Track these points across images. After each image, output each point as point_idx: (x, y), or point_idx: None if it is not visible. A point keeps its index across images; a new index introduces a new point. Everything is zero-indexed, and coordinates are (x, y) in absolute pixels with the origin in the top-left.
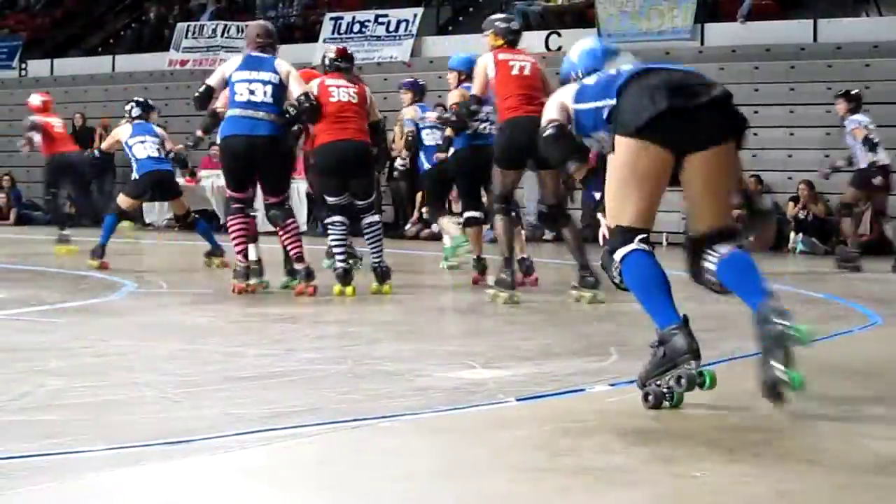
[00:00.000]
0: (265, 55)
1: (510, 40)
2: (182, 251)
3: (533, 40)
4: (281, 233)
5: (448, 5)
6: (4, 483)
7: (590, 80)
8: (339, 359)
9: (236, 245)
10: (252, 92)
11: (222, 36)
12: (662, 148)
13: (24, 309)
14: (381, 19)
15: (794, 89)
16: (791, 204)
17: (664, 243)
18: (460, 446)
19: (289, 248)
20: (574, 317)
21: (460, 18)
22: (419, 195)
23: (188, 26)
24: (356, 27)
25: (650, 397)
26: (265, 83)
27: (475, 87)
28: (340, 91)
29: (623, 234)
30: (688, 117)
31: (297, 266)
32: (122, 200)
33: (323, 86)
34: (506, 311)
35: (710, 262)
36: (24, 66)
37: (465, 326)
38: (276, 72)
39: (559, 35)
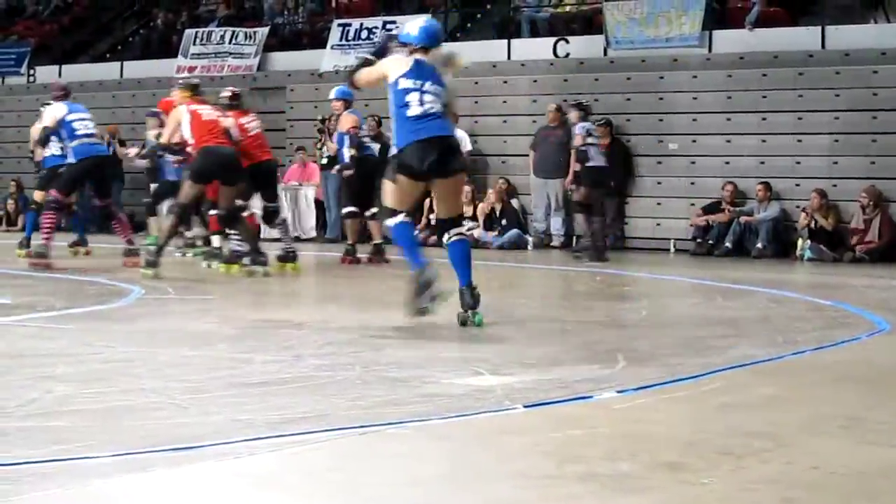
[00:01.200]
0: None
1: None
2: (190, 258)
3: (540, 47)
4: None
5: (456, 12)
6: (11, 489)
7: (418, 56)
8: (346, 365)
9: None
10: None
11: (230, 42)
12: (416, 180)
13: (32, 315)
14: (389, 26)
15: (802, 96)
16: (803, 215)
17: (672, 249)
18: (468, 453)
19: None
20: (581, 324)
21: (468, 25)
22: (426, 202)
23: (196, 33)
24: (364, 34)
25: (419, 314)
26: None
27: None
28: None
29: (392, 213)
30: (430, 166)
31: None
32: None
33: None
34: (513, 317)
35: (445, 238)
36: (32, 72)
37: (473, 333)
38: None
39: (567, 42)
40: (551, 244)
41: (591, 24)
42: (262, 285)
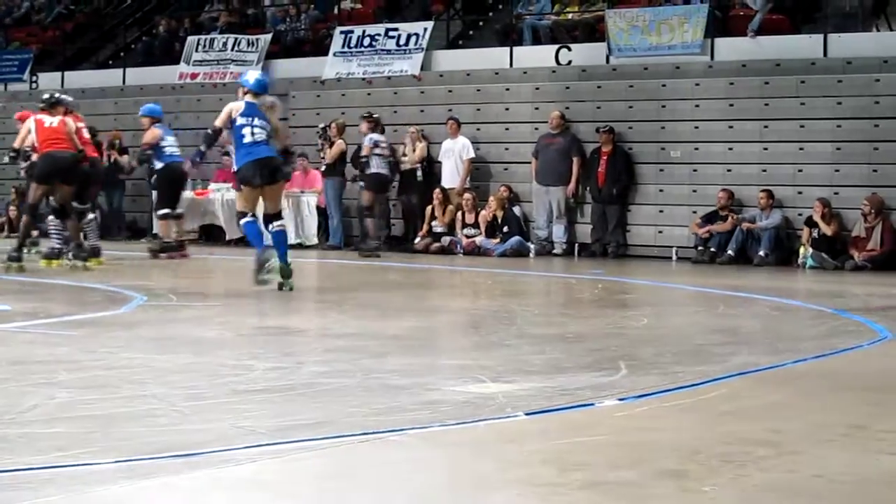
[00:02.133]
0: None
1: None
2: (191, 265)
3: (543, 55)
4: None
5: (458, 19)
6: (13, 496)
7: (249, 100)
8: (348, 372)
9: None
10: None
11: (232, 49)
12: (254, 188)
13: (33, 322)
14: (391, 33)
15: (804, 104)
16: (806, 229)
17: (674, 257)
18: (469, 460)
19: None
20: (583, 332)
21: (470, 32)
22: (428, 209)
23: (199, 40)
24: (366, 41)
25: (260, 284)
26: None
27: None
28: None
29: (242, 214)
30: (262, 178)
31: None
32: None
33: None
34: (515, 324)
35: (269, 229)
36: (34, 78)
37: (474, 340)
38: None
39: (569, 49)
40: (553, 251)
41: (593, 31)
42: (264, 293)
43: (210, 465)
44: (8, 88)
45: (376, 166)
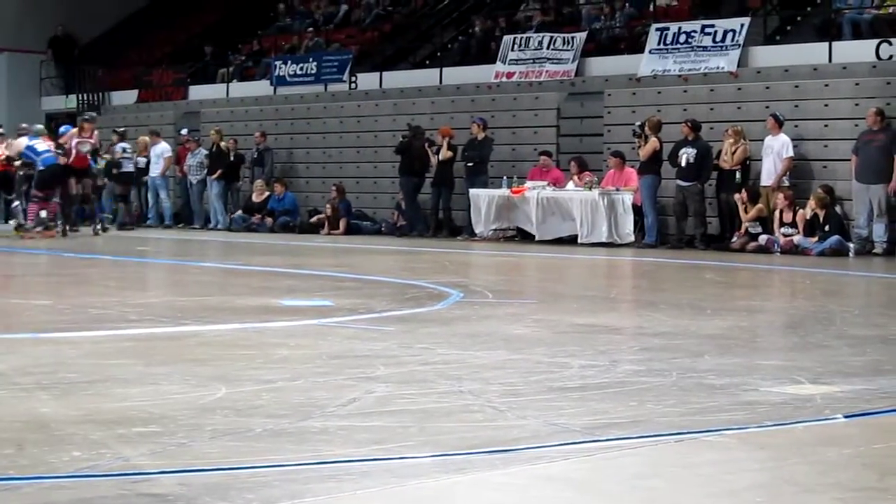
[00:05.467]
0: None
1: None
2: (507, 262)
3: (863, 49)
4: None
5: (775, 14)
6: (333, 486)
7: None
8: (663, 371)
9: None
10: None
11: (548, 48)
12: None
13: (354, 317)
14: (707, 29)
15: None
16: None
17: None
18: (786, 463)
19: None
20: None
21: (788, 28)
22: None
23: (514, 39)
24: (682, 38)
25: None
26: None
27: None
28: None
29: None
30: None
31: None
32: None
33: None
34: (834, 325)
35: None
36: (353, 79)
37: (792, 341)
38: None
39: (890, 44)
40: (873, 251)
41: None
42: (579, 289)
43: (523, 462)
44: (328, 89)
45: None
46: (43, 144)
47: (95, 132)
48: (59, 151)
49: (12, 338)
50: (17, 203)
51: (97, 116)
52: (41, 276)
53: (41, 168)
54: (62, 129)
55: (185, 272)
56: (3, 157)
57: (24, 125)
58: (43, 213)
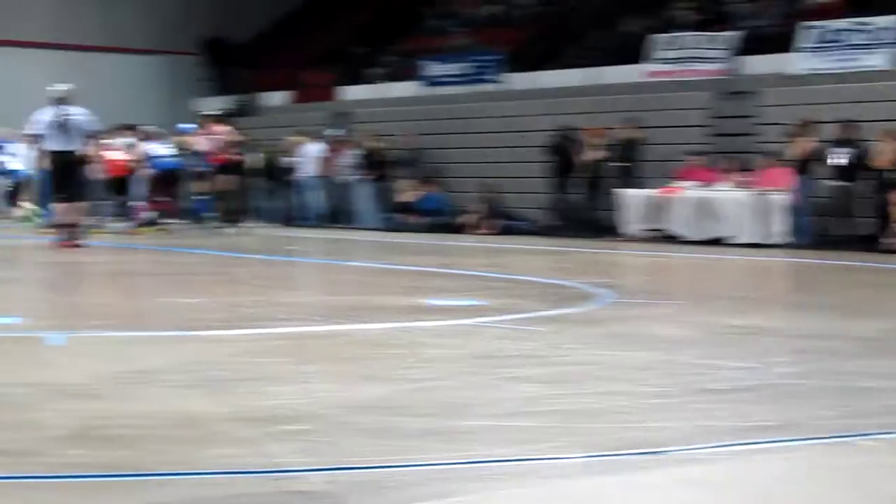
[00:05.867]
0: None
1: None
2: (657, 263)
3: None
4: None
5: None
6: (479, 486)
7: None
8: (816, 373)
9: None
10: None
11: (699, 47)
12: None
13: (503, 317)
14: (861, 27)
15: None
16: None
17: None
18: None
19: None
20: None
21: None
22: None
23: (664, 37)
24: (835, 35)
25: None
26: None
27: None
28: None
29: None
30: None
31: None
32: None
33: None
34: None
35: None
36: (504, 79)
37: None
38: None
39: None
40: None
41: None
42: (731, 290)
43: (672, 464)
44: (480, 88)
45: None
46: (161, 149)
47: (225, 128)
48: (182, 152)
49: (164, 335)
50: (131, 203)
51: (250, 117)
52: (191, 274)
53: (155, 170)
54: (183, 127)
55: (334, 271)
56: (127, 162)
57: (179, 125)
58: (145, 215)
